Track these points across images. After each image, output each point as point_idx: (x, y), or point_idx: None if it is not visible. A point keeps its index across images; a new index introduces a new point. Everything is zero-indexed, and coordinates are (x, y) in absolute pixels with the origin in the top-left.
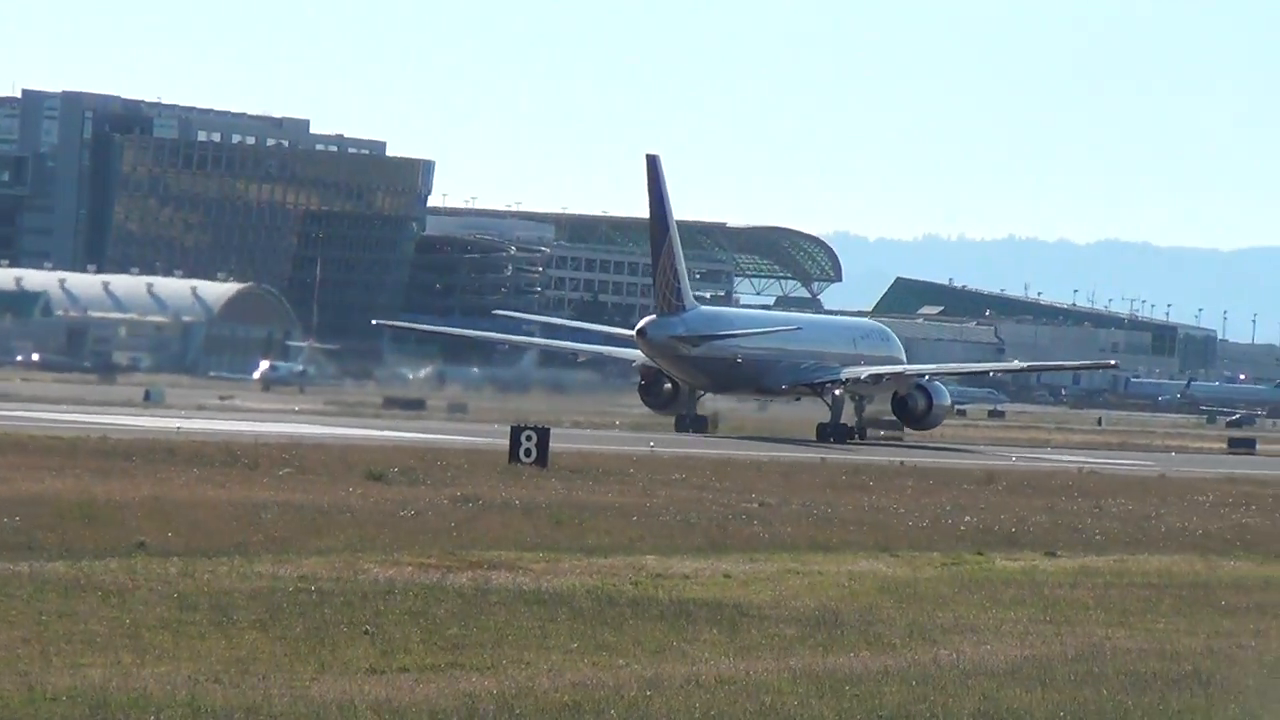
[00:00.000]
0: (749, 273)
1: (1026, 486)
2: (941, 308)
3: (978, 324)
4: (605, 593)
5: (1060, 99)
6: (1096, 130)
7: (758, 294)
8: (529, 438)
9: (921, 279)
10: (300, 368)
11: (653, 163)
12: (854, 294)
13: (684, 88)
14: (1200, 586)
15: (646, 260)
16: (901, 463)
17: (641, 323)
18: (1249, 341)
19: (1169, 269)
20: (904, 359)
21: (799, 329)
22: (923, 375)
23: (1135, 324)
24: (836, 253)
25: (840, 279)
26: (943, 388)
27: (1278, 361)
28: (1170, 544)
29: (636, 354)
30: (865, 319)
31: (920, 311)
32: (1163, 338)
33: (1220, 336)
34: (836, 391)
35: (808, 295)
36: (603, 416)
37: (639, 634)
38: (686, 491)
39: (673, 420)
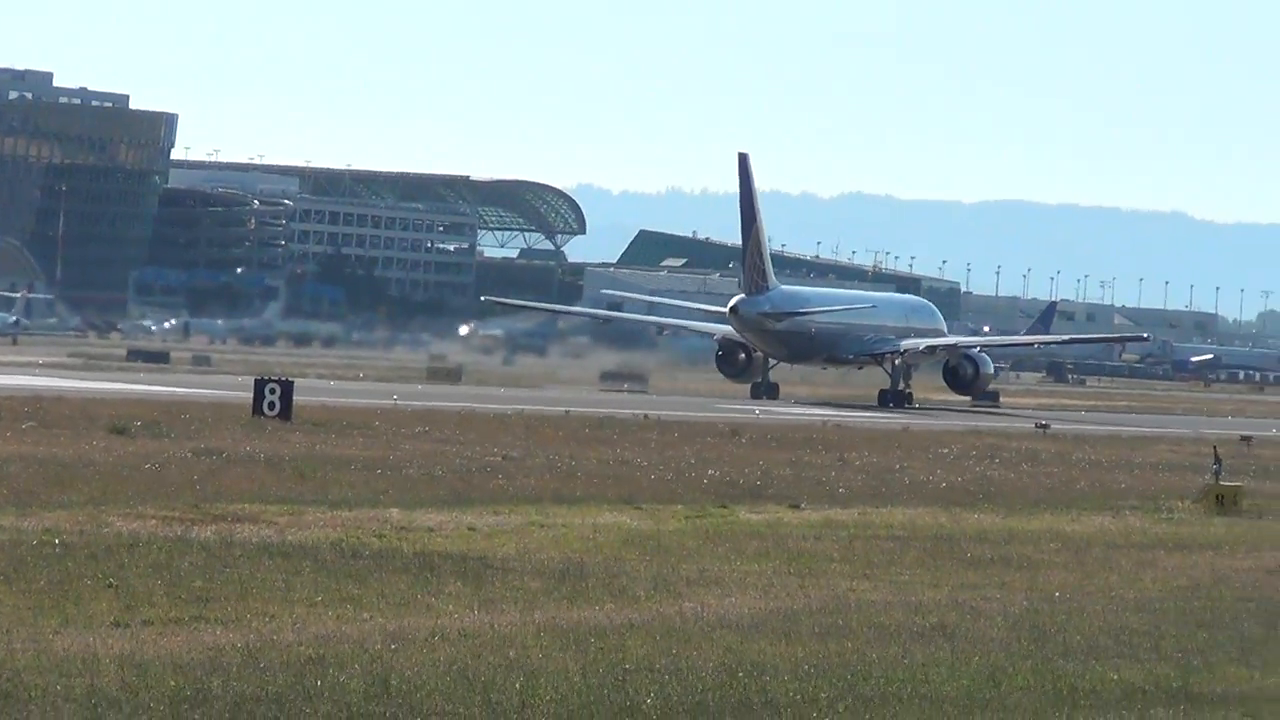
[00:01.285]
0: (493, 225)
1: (771, 440)
2: (685, 260)
3: (721, 276)
4: (350, 545)
5: (799, 52)
6: (837, 83)
7: (501, 246)
8: (273, 390)
9: (665, 231)
10: (14, 318)
11: (743, 160)
12: (598, 246)
13: (424, 37)
14: (944, 539)
15: (390, 214)
16: (645, 416)
17: (733, 301)
18: (992, 294)
19: (912, 221)
20: (945, 331)
21: (874, 306)
22: (972, 347)
23: (879, 276)
24: (580, 205)
25: (584, 231)
26: (988, 358)
27: (1021, 313)
28: (914, 497)
29: (716, 328)
30: (914, 297)
31: (664, 264)
32: (907, 290)
33: (964, 289)
34: (896, 361)
35: (552, 248)
36: (349, 369)
37: (383, 587)
38: (430, 444)
39: (747, 387)
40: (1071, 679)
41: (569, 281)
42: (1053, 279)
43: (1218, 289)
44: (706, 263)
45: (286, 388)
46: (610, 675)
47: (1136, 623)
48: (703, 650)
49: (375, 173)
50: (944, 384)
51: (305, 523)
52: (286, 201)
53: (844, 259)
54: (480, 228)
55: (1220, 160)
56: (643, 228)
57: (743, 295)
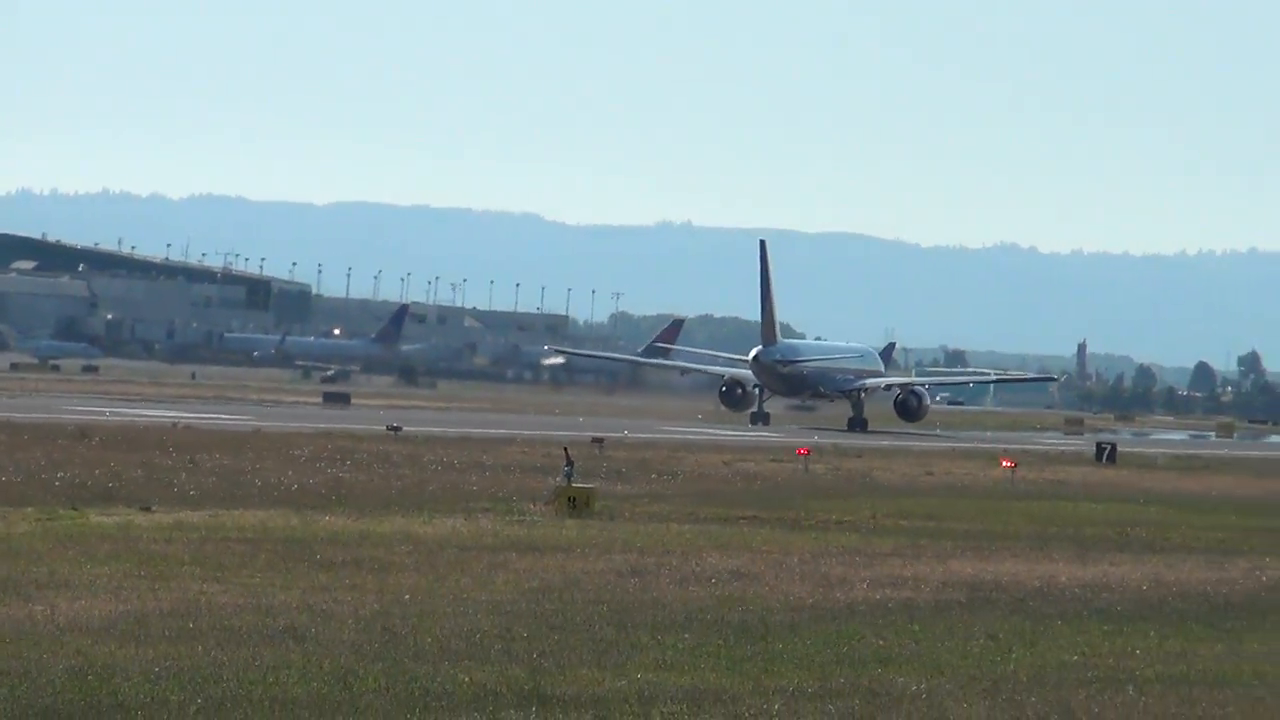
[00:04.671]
0: None
1: (121, 441)
2: (36, 263)
3: (71, 279)
4: None
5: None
6: (188, 83)
7: None
8: None
9: (14, 233)
10: None
11: (763, 245)
12: None
13: None
14: (296, 541)
15: None
16: None
17: (754, 351)
18: (343, 296)
19: (263, 222)
20: (884, 370)
21: (860, 355)
22: (922, 384)
23: (230, 278)
24: None
25: None
26: (925, 391)
27: (373, 316)
28: (266, 499)
29: (721, 369)
30: (862, 345)
31: (13, 266)
32: (257, 292)
33: (315, 291)
34: (861, 395)
35: None
36: None
37: None
38: None
39: (744, 416)
40: (423, 681)
41: None
42: (404, 280)
43: (569, 290)
44: (57, 265)
45: None
46: None
47: (488, 625)
48: (52, 653)
49: None
50: (886, 413)
51: None
52: None
53: (194, 261)
54: None
55: (570, 163)
56: None
57: (760, 347)
